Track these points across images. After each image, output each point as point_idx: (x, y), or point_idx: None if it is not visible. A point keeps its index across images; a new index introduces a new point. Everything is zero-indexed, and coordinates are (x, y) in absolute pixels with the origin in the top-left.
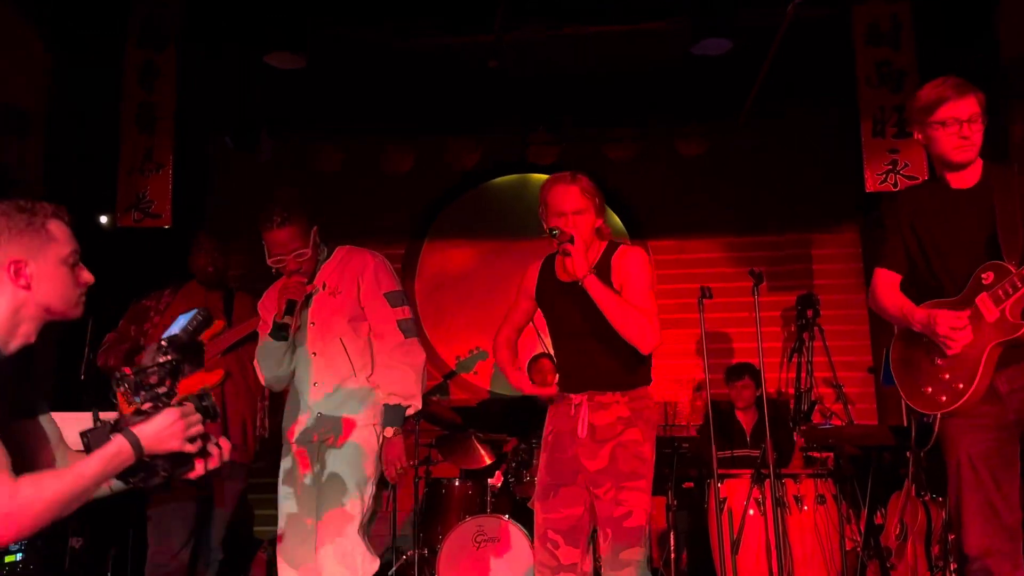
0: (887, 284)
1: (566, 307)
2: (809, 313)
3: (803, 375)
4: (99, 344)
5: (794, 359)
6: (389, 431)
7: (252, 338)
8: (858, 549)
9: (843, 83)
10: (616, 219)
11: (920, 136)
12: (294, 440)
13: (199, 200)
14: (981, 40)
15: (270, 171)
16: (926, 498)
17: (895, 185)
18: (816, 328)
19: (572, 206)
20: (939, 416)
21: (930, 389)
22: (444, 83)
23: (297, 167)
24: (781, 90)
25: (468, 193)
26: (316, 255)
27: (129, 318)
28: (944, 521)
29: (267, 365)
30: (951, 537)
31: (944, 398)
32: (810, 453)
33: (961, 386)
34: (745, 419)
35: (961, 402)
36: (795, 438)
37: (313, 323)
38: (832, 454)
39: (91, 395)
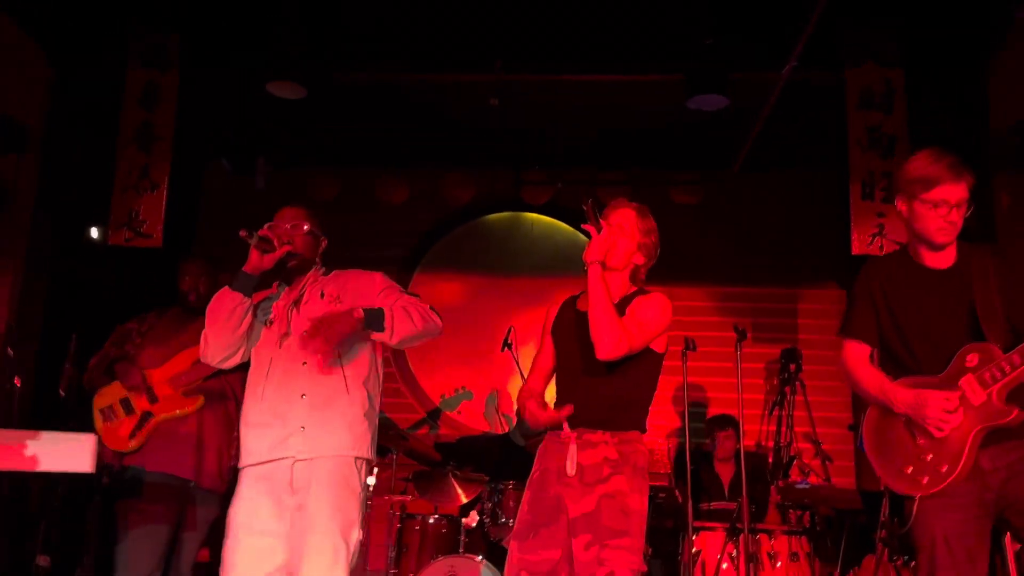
0: (858, 357)
1: (574, 337)
2: (792, 367)
3: (783, 429)
4: (83, 360)
5: (775, 412)
6: (358, 311)
7: (234, 368)
8: None
9: (835, 144)
10: None
11: (903, 208)
12: (262, 459)
13: (191, 223)
14: (972, 109)
15: (265, 198)
16: (898, 563)
17: (881, 248)
18: (798, 383)
19: (619, 220)
20: (918, 497)
21: (911, 469)
22: (442, 118)
23: (292, 195)
24: (774, 146)
25: (460, 228)
26: (311, 246)
27: (112, 340)
28: None
29: (224, 320)
30: None
31: (926, 480)
32: (788, 510)
33: (945, 468)
34: (723, 471)
35: (943, 485)
36: (772, 492)
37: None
38: (808, 511)
39: (71, 412)
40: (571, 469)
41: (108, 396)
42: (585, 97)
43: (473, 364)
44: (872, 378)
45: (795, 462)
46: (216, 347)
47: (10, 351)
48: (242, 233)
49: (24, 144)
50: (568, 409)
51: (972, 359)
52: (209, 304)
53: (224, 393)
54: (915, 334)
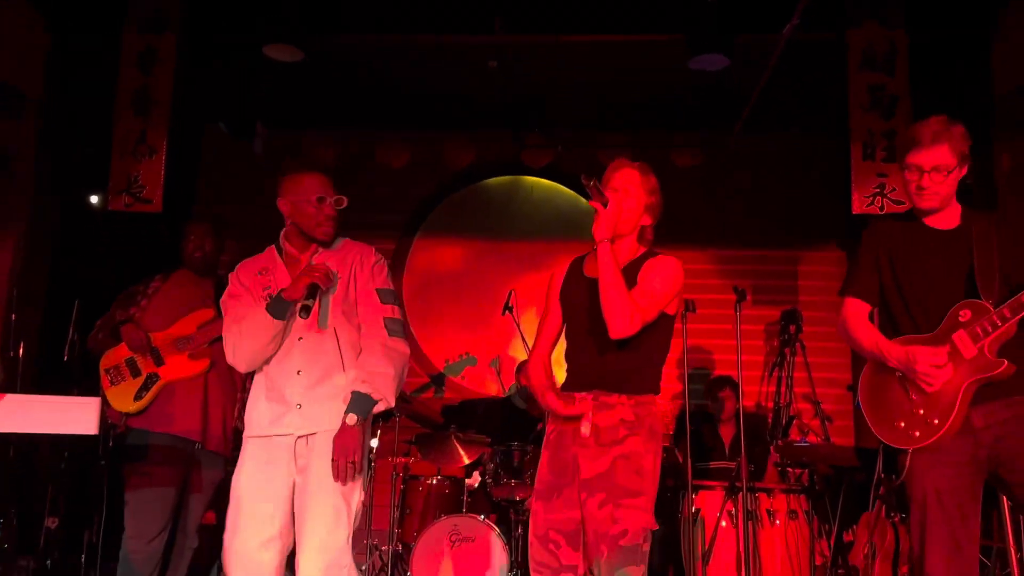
0: (857, 314)
1: (584, 302)
2: (792, 329)
3: (783, 390)
4: (87, 326)
5: (774, 373)
6: (351, 418)
7: None
8: (827, 565)
9: (836, 105)
10: None
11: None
12: (264, 433)
13: (190, 188)
14: (976, 71)
15: (263, 162)
16: (895, 519)
17: (881, 209)
18: (798, 344)
19: (622, 183)
20: (911, 451)
21: (903, 424)
22: (442, 81)
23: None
24: (776, 108)
25: (461, 192)
26: (338, 224)
27: (117, 303)
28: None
29: (256, 339)
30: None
31: (918, 433)
32: (787, 470)
33: (936, 422)
34: (724, 431)
35: (935, 438)
36: (772, 452)
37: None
38: (806, 470)
39: (75, 377)
40: (586, 430)
41: (114, 357)
42: (586, 59)
43: (475, 329)
44: (868, 334)
45: (794, 422)
46: (246, 360)
47: (13, 317)
48: (308, 302)
49: (22, 110)
50: (581, 408)
51: (965, 315)
52: (243, 320)
53: None
54: (914, 294)
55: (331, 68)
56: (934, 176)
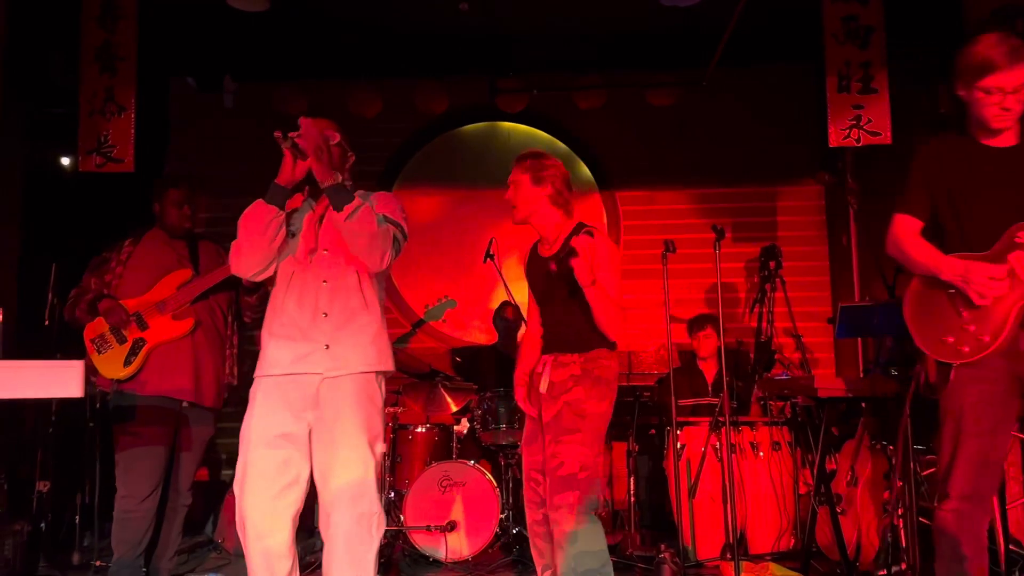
0: (909, 230)
1: (543, 280)
2: (772, 264)
3: (764, 325)
4: (65, 294)
5: (755, 309)
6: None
7: (221, 286)
8: (811, 494)
9: (811, 37)
10: (585, 169)
11: (963, 93)
12: (286, 371)
13: (162, 145)
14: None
15: (233, 115)
16: (877, 447)
17: (858, 140)
18: (778, 279)
19: (513, 181)
20: (956, 365)
21: (952, 339)
22: (412, 25)
23: (262, 111)
24: (750, 42)
25: (436, 140)
26: (340, 159)
27: (90, 270)
28: (890, 468)
29: (256, 231)
30: (899, 484)
31: (967, 348)
32: (769, 403)
33: (987, 339)
34: (707, 368)
35: (984, 354)
36: (754, 388)
37: (326, 250)
38: (789, 403)
39: (56, 341)
40: (543, 387)
41: (97, 327)
42: None
43: (455, 277)
44: (921, 248)
45: (776, 356)
46: (250, 261)
47: None
48: (276, 134)
49: None
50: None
51: (1022, 236)
52: (241, 217)
53: (213, 311)
54: (968, 212)
55: (298, 16)
56: (1018, 95)
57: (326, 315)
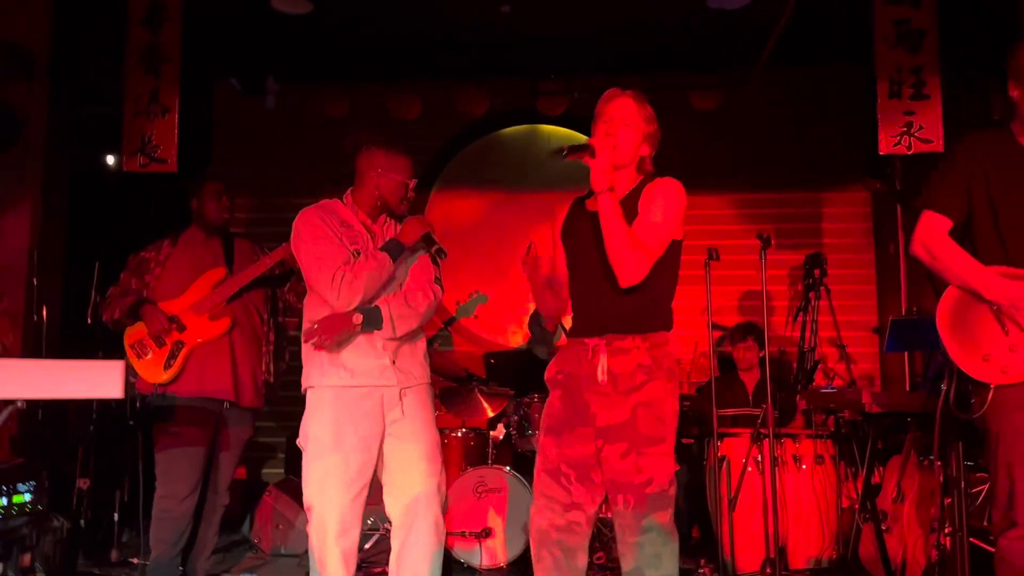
0: (938, 230)
1: (589, 243)
2: (816, 272)
3: (807, 334)
4: (109, 288)
5: (799, 318)
6: (358, 316)
7: (256, 284)
8: (855, 507)
9: (860, 41)
10: None
11: (1015, 93)
12: (359, 384)
13: (205, 145)
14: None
15: (276, 116)
16: (925, 463)
17: (908, 148)
18: (823, 288)
19: (617, 113)
20: (994, 386)
21: (993, 358)
22: (453, 28)
23: (304, 112)
24: (798, 46)
25: (476, 143)
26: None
27: (130, 270)
28: (941, 485)
29: (378, 280)
30: (947, 501)
31: (1005, 371)
32: (813, 415)
33: None
34: (748, 378)
35: None
36: (797, 399)
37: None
38: (833, 415)
39: (98, 339)
40: (602, 377)
41: (137, 332)
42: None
43: (493, 280)
44: (957, 257)
45: (820, 367)
46: (360, 297)
47: (35, 282)
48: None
49: (32, 71)
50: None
51: None
52: (366, 266)
53: (249, 311)
54: (1009, 221)
55: (340, 19)
56: None
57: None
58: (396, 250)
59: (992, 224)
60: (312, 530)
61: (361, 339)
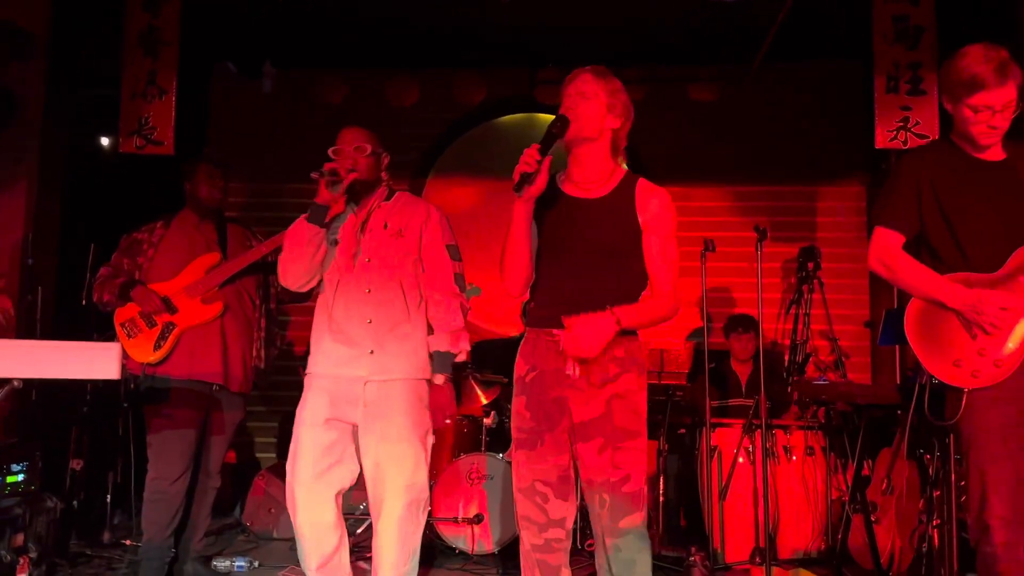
0: (892, 245)
1: (563, 225)
2: (810, 265)
3: (800, 327)
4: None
5: (792, 310)
6: (439, 378)
7: (248, 270)
8: (844, 499)
9: (859, 36)
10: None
11: (949, 107)
12: (334, 373)
13: (201, 128)
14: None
15: (272, 101)
16: (926, 457)
17: (904, 143)
18: (816, 281)
19: (576, 89)
20: (967, 390)
21: (963, 363)
22: (452, 15)
23: (300, 98)
24: (796, 40)
25: (473, 131)
26: (375, 167)
27: (122, 251)
28: (931, 479)
29: (298, 248)
30: (936, 494)
31: (979, 374)
32: (804, 407)
33: (1002, 366)
34: (741, 369)
35: (996, 381)
36: (789, 391)
37: (369, 259)
38: (824, 407)
39: (92, 321)
40: (574, 370)
41: (128, 311)
42: None
43: (487, 268)
44: (915, 270)
45: (811, 359)
46: (295, 275)
47: (30, 262)
48: (313, 175)
49: (30, 51)
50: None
51: None
52: (286, 233)
53: (241, 295)
54: (965, 228)
55: (338, 5)
56: (1005, 113)
57: (370, 322)
58: (314, 212)
59: (948, 232)
60: (287, 505)
61: (342, 327)
